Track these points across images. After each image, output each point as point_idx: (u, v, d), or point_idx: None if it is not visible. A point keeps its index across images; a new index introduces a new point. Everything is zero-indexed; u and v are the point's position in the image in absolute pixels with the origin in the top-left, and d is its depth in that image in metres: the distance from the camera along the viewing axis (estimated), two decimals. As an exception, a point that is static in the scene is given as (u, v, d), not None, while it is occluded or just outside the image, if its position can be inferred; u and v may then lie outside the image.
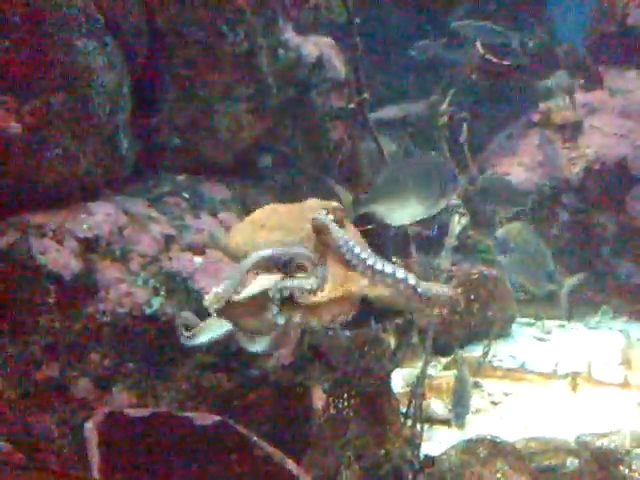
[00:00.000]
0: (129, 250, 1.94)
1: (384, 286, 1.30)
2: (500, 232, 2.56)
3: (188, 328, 1.50)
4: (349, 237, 1.35)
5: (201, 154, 2.58)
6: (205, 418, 1.70)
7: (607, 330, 3.48)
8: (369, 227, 1.92)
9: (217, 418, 1.70)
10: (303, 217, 1.44)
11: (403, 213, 1.86)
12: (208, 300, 1.34)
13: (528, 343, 3.31)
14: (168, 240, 2.06)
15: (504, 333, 3.33)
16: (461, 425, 2.38)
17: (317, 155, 2.88)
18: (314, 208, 1.45)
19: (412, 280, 1.27)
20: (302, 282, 1.37)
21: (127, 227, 1.99)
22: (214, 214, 2.32)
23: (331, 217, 1.40)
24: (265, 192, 2.65)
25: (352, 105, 2.23)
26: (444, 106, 4.37)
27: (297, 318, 1.34)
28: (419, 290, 1.27)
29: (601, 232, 3.86)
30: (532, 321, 3.61)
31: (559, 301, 2.52)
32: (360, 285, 1.34)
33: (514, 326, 3.44)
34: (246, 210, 2.44)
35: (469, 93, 4.27)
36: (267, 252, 1.35)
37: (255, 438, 1.72)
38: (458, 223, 2.26)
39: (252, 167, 2.79)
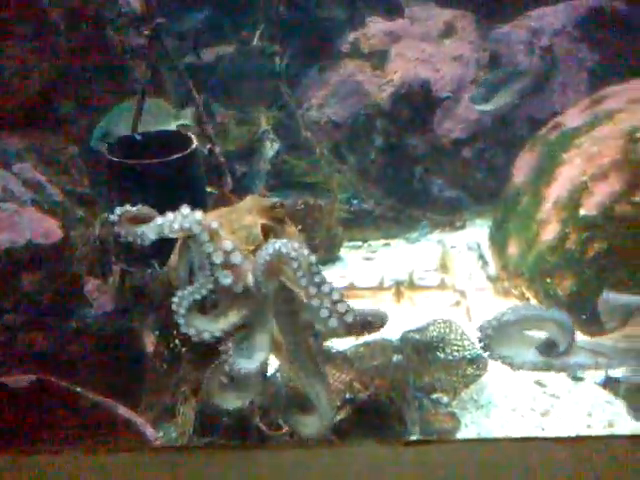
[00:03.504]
0: None
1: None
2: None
3: None
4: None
5: (-14, 103, 2.34)
6: (19, 380, 1.59)
7: (426, 242, 3.73)
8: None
9: (33, 377, 1.60)
10: (244, 216, 1.46)
11: None
12: None
13: (356, 263, 3.47)
14: (-47, 197, 1.86)
15: (333, 257, 3.46)
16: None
17: (120, 96, 2.72)
18: (253, 207, 1.47)
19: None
20: None
21: None
22: (7, 166, 2.12)
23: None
24: (66, 140, 2.47)
25: (147, 32, 2.11)
26: (255, 41, 4.33)
27: None
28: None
29: (412, 152, 4.09)
30: (359, 244, 3.77)
31: None
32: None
33: (343, 250, 3.58)
34: (45, 159, 2.27)
35: (279, 27, 4.25)
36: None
37: (79, 389, 1.64)
38: (270, 148, 2.26)
39: (50, 114, 2.58)
